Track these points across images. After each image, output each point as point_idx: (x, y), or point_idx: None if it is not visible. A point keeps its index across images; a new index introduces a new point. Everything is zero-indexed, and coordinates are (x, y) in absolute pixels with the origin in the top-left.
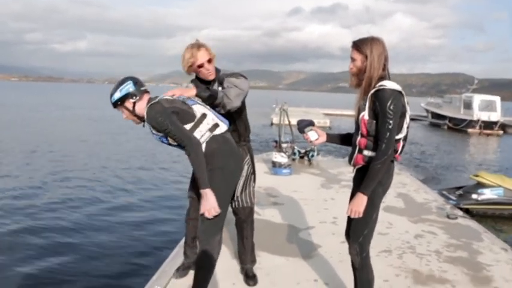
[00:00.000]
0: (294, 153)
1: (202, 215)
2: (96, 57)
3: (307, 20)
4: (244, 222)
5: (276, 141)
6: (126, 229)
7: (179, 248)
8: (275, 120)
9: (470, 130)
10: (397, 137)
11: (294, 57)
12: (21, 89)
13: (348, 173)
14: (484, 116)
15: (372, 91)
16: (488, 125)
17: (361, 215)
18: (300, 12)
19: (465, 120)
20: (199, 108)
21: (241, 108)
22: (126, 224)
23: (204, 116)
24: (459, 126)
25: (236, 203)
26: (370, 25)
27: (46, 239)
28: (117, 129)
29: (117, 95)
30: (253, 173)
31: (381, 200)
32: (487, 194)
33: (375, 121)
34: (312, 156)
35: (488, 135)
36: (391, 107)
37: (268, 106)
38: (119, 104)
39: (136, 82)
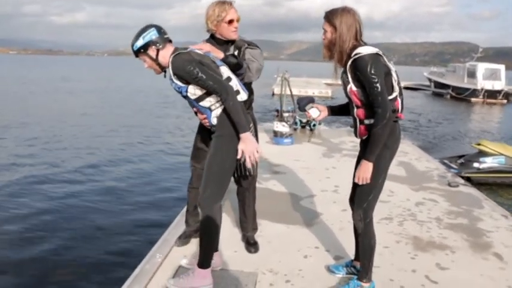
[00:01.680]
0: (296, 123)
1: (208, 174)
2: (95, 29)
3: None
4: (247, 190)
5: (277, 111)
6: (126, 201)
7: (181, 217)
8: (276, 90)
9: (473, 99)
10: (391, 97)
11: (295, 27)
12: (19, 62)
13: (349, 142)
14: (488, 85)
15: (350, 62)
16: (492, 94)
17: (368, 181)
18: None
19: (468, 89)
20: (225, 71)
21: None
22: (126, 196)
23: (229, 79)
24: (462, 95)
25: (238, 170)
26: None
27: (58, 212)
28: (116, 101)
29: (140, 42)
30: (256, 140)
31: (389, 164)
32: (489, 162)
33: (362, 89)
34: (314, 125)
35: (492, 104)
36: (372, 71)
37: (270, 76)
38: (141, 51)
39: (160, 29)
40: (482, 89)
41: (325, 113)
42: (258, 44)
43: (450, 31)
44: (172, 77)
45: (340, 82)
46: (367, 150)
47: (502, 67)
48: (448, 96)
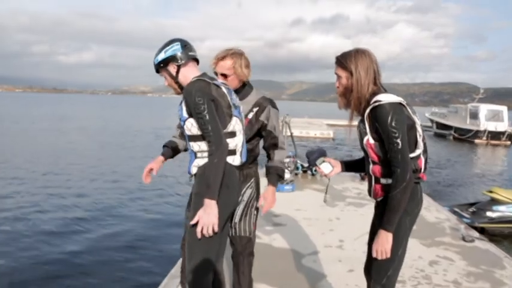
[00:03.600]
0: (297, 168)
1: (191, 242)
2: (100, 68)
3: (308, 30)
4: (241, 254)
5: None
6: (115, 255)
7: (168, 280)
8: None
9: (477, 141)
10: (414, 154)
11: (296, 68)
12: (23, 100)
13: (353, 188)
14: (491, 126)
15: (368, 110)
16: (496, 135)
17: (388, 255)
18: (302, 23)
19: (471, 130)
20: (237, 123)
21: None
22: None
23: (232, 134)
24: (465, 137)
25: (233, 230)
26: (371, 35)
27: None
28: (104, 140)
29: (161, 56)
30: (257, 198)
31: (410, 232)
32: (503, 211)
33: (381, 143)
34: (315, 170)
35: (495, 145)
36: (393, 124)
37: None
38: (161, 66)
39: (186, 45)
40: (485, 131)
41: (338, 168)
42: (260, 84)
43: (448, 72)
44: (182, 101)
45: (345, 122)
46: (384, 219)
47: (504, 108)
48: (451, 138)
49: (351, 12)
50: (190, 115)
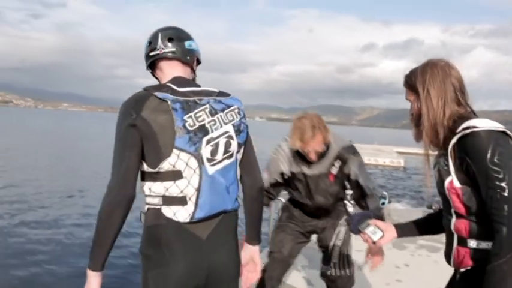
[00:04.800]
0: None
1: None
2: None
3: (380, 55)
4: None
5: None
6: None
7: None
8: None
9: None
10: None
11: (367, 93)
12: (102, 119)
13: None
14: None
15: (454, 140)
16: None
17: None
18: (374, 47)
19: None
20: (182, 160)
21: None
22: None
23: (173, 175)
24: None
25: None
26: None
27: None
28: None
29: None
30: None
31: None
32: None
33: (473, 188)
34: (383, 204)
35: None
36: (496, 159)
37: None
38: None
39: (150, 42)
40: None
41: (391, 233)
42: (329, 109)
43: None
44: None
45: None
46: None
47: None
48: None
49: (425, 36)
50: None
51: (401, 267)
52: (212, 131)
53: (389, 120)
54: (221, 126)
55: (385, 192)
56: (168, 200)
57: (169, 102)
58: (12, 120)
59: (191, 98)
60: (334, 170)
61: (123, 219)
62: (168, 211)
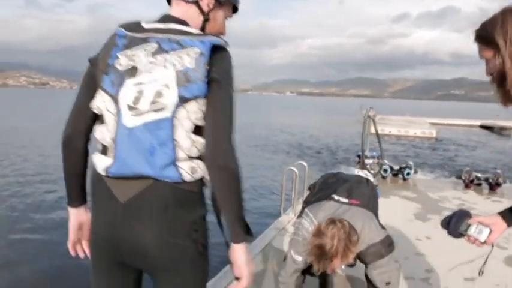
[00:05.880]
0: (385, 170)
1: None
2: None
3: (414, 25)
4: None
5: (358, 156)
6: None
7: None
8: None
9: None
10: None
11: (399, 65)
12: None
13: (453, 198)
14: None
15: None
16: None
17: None
18: (407, 17)
19: None
20: (104, 103)
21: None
22: None
23: (98, 119)
24: None
25: None
26: None
27: None
28: None
29: None
30: None
31: None
32: None
33: None
34: (408, 174)
35: None
36: None
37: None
38: None
39: None
40: None
41: (500, 226)
42: (361, 81)
43: None
44: None
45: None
46: None
47: None
48: None
49: (462, 3)
50: None
51: (422, 240)
52: (142, 74)
53: (423, 92)
54: (156, 69)
55: (410, 162)
56: (97, 146)
57: (116, 38)
58: (52, 102)
59: (141, 35)
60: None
61: (70, 156)
62: (94, 157)
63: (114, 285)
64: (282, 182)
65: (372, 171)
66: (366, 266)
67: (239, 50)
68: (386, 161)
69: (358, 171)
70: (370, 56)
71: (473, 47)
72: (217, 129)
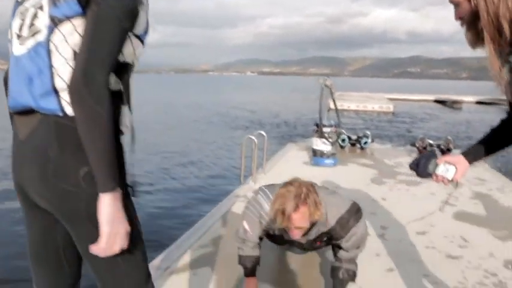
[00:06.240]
0: (343, 140)
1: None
2: (164, 48)
3: (371, 4)
4: None
5: (317, 125)
6: None
7: None
8: (332, 104)
9: None
10: None
11: (358, 43)
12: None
13: (407, 163)
14: None
15: None
16: None
17: None
18: None
19: None
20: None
21: None
22: None
23: (10, 46)
24: None
25: None
26: (441, 7)
27: None
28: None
29: None
30: None
31: None
32: None
33: None
34: (366, 143)
35: None
36: None
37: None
38: None
39: None
40: None
41: (463, 164)
42: (321, 60)
43: None
44: None
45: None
46: None
47: None
48: None
49: None
50: None
51: (378, 201)
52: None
53: (382, 70)
54: None
55: (368, 132)
56: None
57: None
58: None
59: None
60: (323, 239)
61: (7, 92)
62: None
63: (37, 227)
64: (241, 150)
65: (330, 140)
66: (338, 246)
67: (197, 30)
68: (344, 131)
69: (316, 140)
70: (330, 35)
71: (428, 26)
72: (81, 53)
